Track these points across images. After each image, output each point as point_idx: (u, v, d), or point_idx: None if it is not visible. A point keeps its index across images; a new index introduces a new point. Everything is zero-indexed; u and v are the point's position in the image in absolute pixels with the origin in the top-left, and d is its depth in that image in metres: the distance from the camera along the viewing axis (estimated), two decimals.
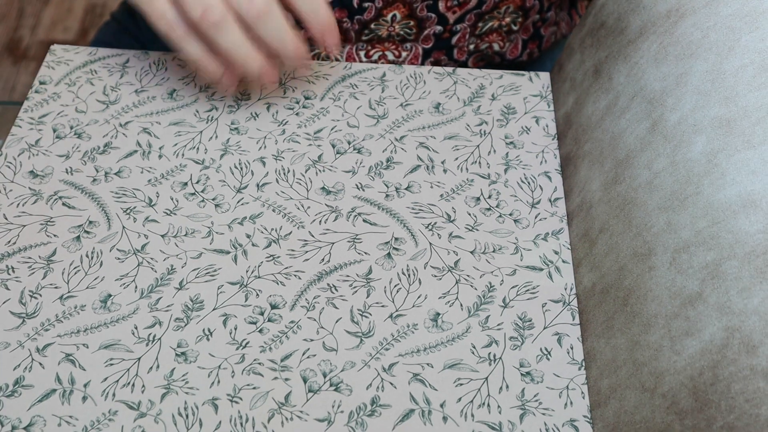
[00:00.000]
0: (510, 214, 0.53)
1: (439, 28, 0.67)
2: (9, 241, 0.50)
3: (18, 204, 0.52)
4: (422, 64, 0.71)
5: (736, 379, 0.36)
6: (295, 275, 0.50)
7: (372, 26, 0.67)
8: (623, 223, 0.46)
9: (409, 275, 0.50)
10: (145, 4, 0.51)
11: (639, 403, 0.41)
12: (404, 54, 0.70)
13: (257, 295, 0.49)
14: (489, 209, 0.54)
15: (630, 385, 0.42)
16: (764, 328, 0.35)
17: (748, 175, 0.38)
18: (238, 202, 0.53)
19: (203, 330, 0.47)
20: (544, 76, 0.63)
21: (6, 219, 0.51)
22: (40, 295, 0.48)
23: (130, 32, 0.82)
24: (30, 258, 0.50)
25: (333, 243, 0.51)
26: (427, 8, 0.65)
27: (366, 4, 0.65)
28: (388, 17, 0.66)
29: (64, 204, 0.52)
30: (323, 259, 0.50)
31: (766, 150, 0.38)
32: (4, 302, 0.48)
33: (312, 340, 0.47)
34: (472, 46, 0.70)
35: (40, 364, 0.45)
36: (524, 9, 0.69)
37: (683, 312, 0.40)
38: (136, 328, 0.47)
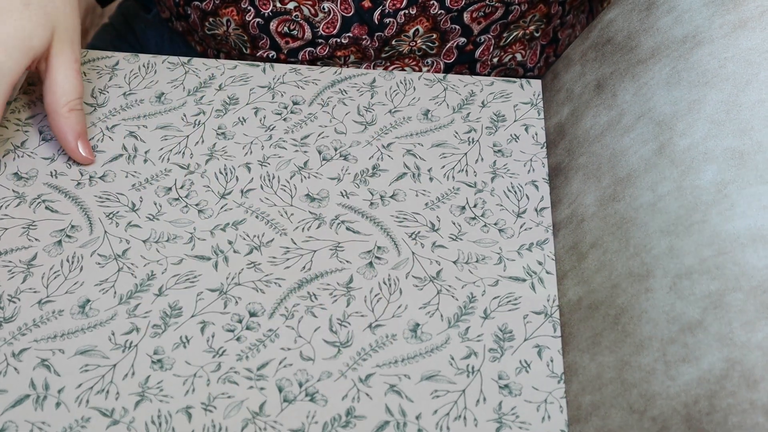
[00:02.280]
0: (495, 224, 0.53)
1: (462, 40, 0.66)
2: None
3: (1, 206, 0.52)
4: None
5: (735, 411, 0.35)
6: (275, 283, 0.49)
7: (393, 42, 0.66)
8: (619, 241, 0.46)
9: (390, 285, 0.50)
10: None
11: (625, 424, 0.40)
12: (425, 69, 0.69)
13: (236, 302, 0.48)
14: (474, 218, 0.53)
15: (616, 405, 0.42)
16: (767, 364, 0.35)
17: (759, 209, 0.38)
18: (221, 208, 0.53)
19: (180, 337, 0.47)
20: (536, 84, 0.62)
21: None
22: (19, 299, 0.48)
23: (127, 40, 0.82)
24: (10, 262, 0.49)
25: (315, 251, 0.51)
26: (451, 20, 0.65)
27: (387, 20, 0.64)
28: (410, 32, 0.65)
29: (47, 208, 0.52)
30: (304, 267, 0.50)
31: None
32: None
33: (289, 349, 0.47)
34: (495, 59, 0.69)
35: (15, 369, 0.45)
36: (548, 15, 0.68)
37: (681, 338, 0.39)
38: (113, 334, 0.47)
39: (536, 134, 0.58)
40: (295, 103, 0.59)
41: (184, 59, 0.62)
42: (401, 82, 0.61)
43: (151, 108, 0.58)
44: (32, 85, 0.60)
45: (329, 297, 0.49)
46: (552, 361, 0.47)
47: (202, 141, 0.57)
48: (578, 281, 0.48)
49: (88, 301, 0.48)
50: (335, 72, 0.62)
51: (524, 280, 0.50)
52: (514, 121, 0.59)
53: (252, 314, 0.48)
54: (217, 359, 0.46)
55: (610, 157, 0.50)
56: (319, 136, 0.57)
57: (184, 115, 0.58)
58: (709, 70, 0.45)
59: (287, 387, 0.45)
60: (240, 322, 0.47)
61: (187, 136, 0.57)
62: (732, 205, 0.40)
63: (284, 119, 0.58)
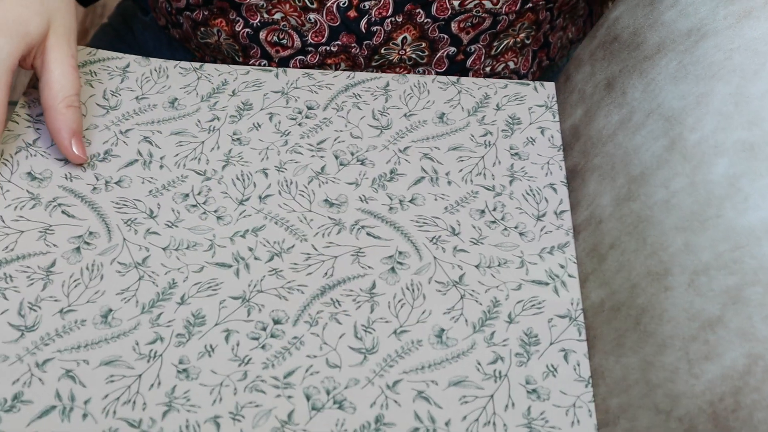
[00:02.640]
0: (515, 227, 0.53)
1: (452, 49, 0.66)
2: (6, 247, 0.50)
3: (16, 207, 0.52)
4: None
5: (760, 407, 0.35)
6: (298, 289, 0.49)
7: (382, 51, 0.66)
8: (636, 241, 0.46)
9: (413, 290, 0.49)
10: None
11: (652, 425, 0.40)
12: None
13: (260, 310, 0.48)
14: (494, 222, 0.53)
15: (642, 406, 0.41)
16: None
17: None
18: (240, 214, 0.52)
19: (205, 346, 0.46)
20: (549, 86, 0.62)
21: (4, 222, 0.51)
22: (40, 308, 0.47)
23: (126, 41, 0.81)
24: (29, 267, 0.49)
25: (336, 257, 0.51)
26: (438, 29, 0.64)
27: (374, 28, 0.64)
28: (399, 40, 0.65)
29: (63, 212, 0.52)
30: (326, 273, 0.50)
31: None
32: (2, 313, 0.47)
33: (315, 357, 0.46)
34: (488, 68, 0.69)
35: (40, 379, 0.45)
36: (538, 23, 0.68)
37: (702, 335, 0.39)
38: (137, 344, 0.46)
39: (552, 137, 0.58)
40: (309, 108, 0.59)
41: (196, 65, 0.62)
42: (415, 86, 0.61)
43: (165, 113, 0.58)
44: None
45: (353, 303, 0.49)
46: (579, 365, 0.47)
47: (218, 147, 0.56)
48: (600, 283, 0.48)
49: (111, 310, 0.48)
50: (348, 76, 0.62)
51: (547, 284, 0.50)
52: (530, 123, 0.59)
53: (276, 322, 0.47)
54: (243, 368, 0.46)
55: (623, 156, 0.50)
56: (335, 140, 0.57)
57: (199, 121, 0.58)
58: (715, 62, 0.45)
59: (315, 395, 0.45)
60: (264, 329, 0.47)
61: (203, 142, 0.56)
62: (745, 198, 0.39)
63: (299, 124, 0.58)
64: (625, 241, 0.47)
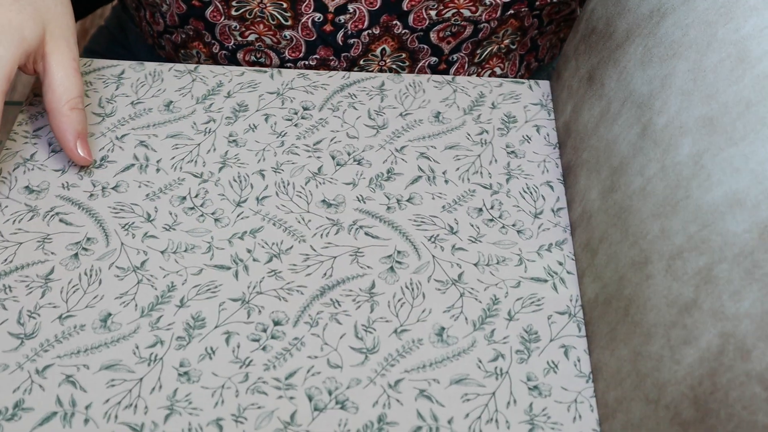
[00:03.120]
0: (513, 225, 0.53)
1: (434, 59, 0.66)
2: (5, 260, 0.49)
3: (14, 221, 0.51)
4: None
5: (733, 386, 0.35)
6: (297, 290, 0.49)
7: (361, 63, 0.65)
8: (621, 232, 0.46)
9: (412, 289, 0.49)
10: None
11: (644, 416, 0.40)
12: None
13: (259, 311, 0.48)
14: (492, 220, 0.53)
15: (635, 397, 0.41)
16: (756, 331, 0.34)
17: (732, 173, 0.38)
18: (237, 216, 0.52)
19: (206, 348, 0.46)
20: (544, 84, 0.62)
21: (2, 236, 0.51)
22: (39, 315, 0.47)
23: (122, 44, 0.81)
24: (27, 277, 0.49)
25: (335, 257, 0.51)
26: (417, 40, 0.64)
27: (351, 41, 0.64)
28: (378, 52, 0.65)
29: (61, 220, 0.52)
30: (325, 274, 0.50)
31: (747, 146, 0.37)
32: (1, 323, 0.47)
33: (316, 357, 0.46)
34: (474, 75, 0.69)
35: (40, 386, 0.44)
36: (523, 28, 0.68)
37: (680, 320, 0.39)
38: (137, 347, 0.46)
39: (548, 135, 0.58)
40: (305, 109, 0.59)
41: (191, 66, 0.61)
42: (410, 85, 0.61)
43: (160, 117, 0.58)
44: (38, 96, 0.59)
45: (353, 303, 0.48)
46: (579, 360, 0.47)
47: (214, 149, 0.56)
48: (593, 278, 0.48)
49: (110, 314, 0.47)
50: (343, 76, 0.62)
51: (546, 281, 0.50)
52: (525, 122, 0.59)
53: (276, 323, 0.47)
54: (244, 370, 0.45)
55: (605, 148, 0.50)
56: (331, 141, 0.57)
57: (194, 123, 0.57)
58: (675, 40, 0.45)
59: (317, 395, 0.45)
60: (265, 331, 0.47)
61: (199, 145, 0.56)
62: (709, 175, 0.39)
63: (295, 125, 0.58)
64: (612, 233, 0.47)
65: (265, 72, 0.61)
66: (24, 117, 0.57)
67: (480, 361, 0.46)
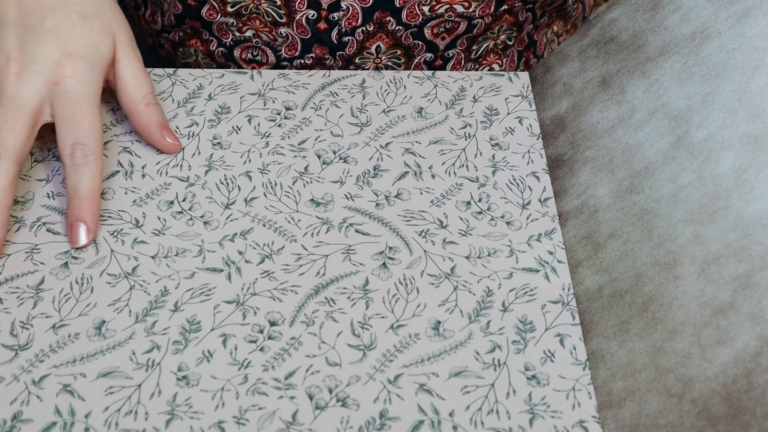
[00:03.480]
0: (502, 217, 0.53)
1: (429, 55, 0.66)
2: None
3: None
4: None
5: None
6: (291, 290, 0.49)
7: (356, 61, 0.66)
8: (641, 232, 0.47)
9: (406, 284, 0.49)
10: None
11: (664, 408, 0.41)
12: None
13: (255, 312, 0.48)
14: (480, 213, 0.53)
15: (652, 389, 0.42)
16: None
17: None
18: (227, 218, 0.52)
19: (203, 351, 0.46)
20: (524, 76, 0.62)
21: None
22: (32, 326, 0.47)
23: None
24: (18, 288, 0.48)
25: (327, 255, 0.51)
26: (412, 36, 0.64)
27: (346, 38, 0.64)
28: (372, 49, 0.65)
29: (48, 230, 0.51)
30: (318, 273, 0.50)
31: None
32: None
33: (315, 356, 0.46)
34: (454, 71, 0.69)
35: (38, 396, 0.44)
36: (518, 23, 0.68)
37: (714, 321, 0.40)
38: (133, 353, 0.46)
39: (530, 126, 0.59)
40: (287, 109, 0.59)
41: (170, 70, 0.61)
42: (391, 81, 0.61)
43: None
44: None
45: (347, 301, 0.49)
46: (575, 348, 0.47)
47: (199, 152, 0.56)
48: (596, 270, 0.49)
49: (104, 322, 0.47)
50: (324, 75, 0.62)
51: (537, 271, 0.51)
52: (507, 114, 0.60)
53: (272, 323, 0.47)
54: (243, 371, 0.45)
55: (623, 151, 0.51)
56: (316, 140, 0.57)
57: (177, 127, 0.57)
58: (719, 62, 0.47)
59: (317, 394, 0.45)
60: (261, 332, 0.47)
61: (183, 148, 0.56)
62: (752, 189, 0.41)
63: (279, 125, 0.58)
64: (628, 232, 0.48)
65: (246, 73, 0.61)
66: None
67: (477, 353, 0.47)
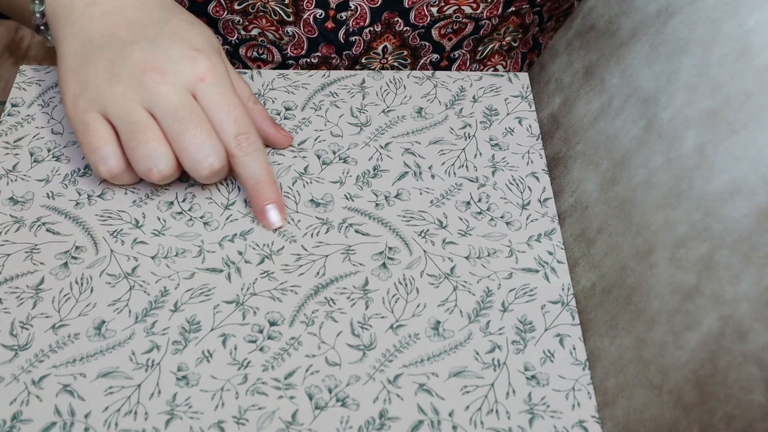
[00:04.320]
0: (501, 217, 0.53)
1: (435, 56, 0.66)
2: None
3: (0, 232, 0.51)
4: None
5: (732, 367, 0.36)
6: (291, 290, 0.49)
7: (363, 61, 0.66)
8: (623, 223, 0.46)
9: (406, 284, 0.49)
10: (79, 131, 0.51)
11: (648, 401, 0.41)
12: None
13: (254, 312, 0.48)
14: (480, 213, 0.53)
15: (638, 383, 0.42)
16: (752, 313, 0.35)
17: (733, 162, 0.39)
18: (226, 219, 0.52)
19: (203, 351, 0.46)
20: (523, 77, 0.62)
21: None
22: (32, 326, 0.47)
23: None
24: (17, 288, 0.48)
25: (327, 256, 0.51)
26: (419, 37, 0.64)
27: (353, 38, 0.64)
28: (379, 49, 0.65)
29: (48, 230, 0.51)
30: (318, 273, 0.50)
31: (747, 134, 0.38)
32: None
33: (314, 356, 0.46)
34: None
35: (38, 396, 0.44)
36: (524, 26, 0.68)
37: (683, 306, 0.40)
38: (133, 353, 0.46)
39: (530, 126, 0.59)
40: (287, 109, 0.59)
41: None
42: (390, 81, 0.61)
43: None
44: (16, 107, 0.58)
45: (347, 301, 0.49)
46: (575, 348, 0.47)
47: None
48: (590, 267, 0.49)
49: (104, 322, 0.47)
50: (323, 75, 0.62)
51: (537, 271, 0.51)
52: (507, 114, 0.60)
53: (272, 323, 0.47)
54: (242, 371, 0.45)
55: (605, 142, 0.50)
56: (315, 140, 0.57)
57: None
58: (682, 38, 0.46)
59: (317, 394, 0.45)
60: (261, 332, 0.47)
61: None
62: (711, 166, 0.40)
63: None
64: (613, 224, 0.47)
65: (245, 73, 0.61)
66: (3, 128, 0.57)
67: (477, 353, 0.47)
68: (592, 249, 0.49)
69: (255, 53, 0.67)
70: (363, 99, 0.60)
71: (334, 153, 0.56)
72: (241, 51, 0.67)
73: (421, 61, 0.67)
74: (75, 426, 0.43)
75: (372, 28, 0.63)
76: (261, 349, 0.46)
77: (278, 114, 0.58)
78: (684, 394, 0.39)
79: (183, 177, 0.54)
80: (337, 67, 0.66)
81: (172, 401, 0.44)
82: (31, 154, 0.55)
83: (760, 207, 0.36)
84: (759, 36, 0.40)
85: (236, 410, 0.44)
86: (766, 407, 0.33)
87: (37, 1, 0.54)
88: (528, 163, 0.56)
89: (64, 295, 0.48)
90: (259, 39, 0.65)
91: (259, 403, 0.44)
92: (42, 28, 0.55)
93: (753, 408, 0.34)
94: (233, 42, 0.66)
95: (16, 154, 0.55)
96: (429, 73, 0.62)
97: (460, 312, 0.48)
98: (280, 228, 0.52)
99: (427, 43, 0.65)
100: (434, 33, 0.64)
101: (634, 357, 0.43)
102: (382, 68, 0.66)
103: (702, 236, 0.40)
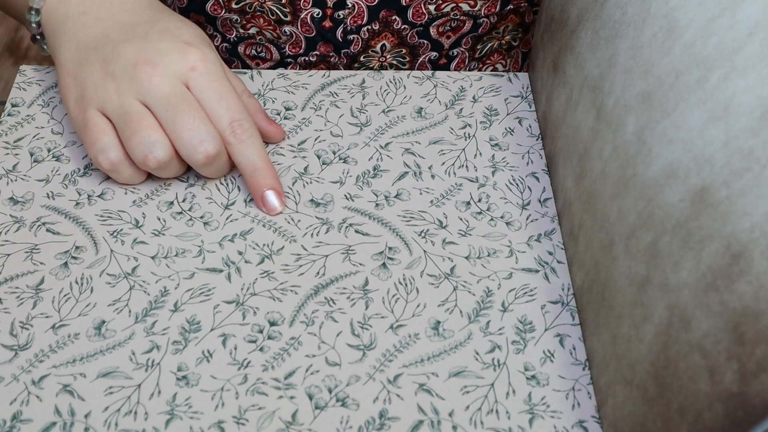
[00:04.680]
0: (501, 217, 0.53)
1: (434, 54, 0.66)
2: None
3: (0, 232, 0.51)
4: None
5: (680, 357, 0.35)
6: (291, 290, 0.49)
7: (361, 59, 0.66)
8: (591, 217, 0.46)
9: (406, 284, 0.49)
10: (80, 129, 0.52)
11: (626, 398, 0.41)
12: None
13: (254, 312, 0.48)
14: (480, 213, 0.53)
15: (618, 380, 0.42)
16: (693, 300, 0.34)
17: (667, 145, 0.38)
18: (227, 219, 0.52)
19: (203, 351, 0.46)
20: (523, 77, 0.62)
21: None
22: (32, 326, 0.47)
23: None
24: (17, 288, 0.48)
25: (327, 255, 0.51)
26: (417, 35, 0.64)
27: (351, 37, 0.64)
28: (378, 48, 0.65)
29: (48, 230, 0.51)
30: (318, 273, 0.50)
31: (678, 115, 0.37)
32: None
33: (314, 356, 0.46)
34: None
35: (38, 396, 0.44)
36: (524, 25, 0.68)
37: (640, 298, 0.39)
38: (133, 353, 0.46)
39: (530, 126, 0.59)
40: (287, 109, 0.59)
41: None
42: (390, 81, 0.61)
43: None
44: (16, 107, 0.58)
45: (347, 301, 0.49)
46: (575, 348, 0.47)
47: None
48: (578, 266, 0.49)
49: (104, 322, 0.47)
50: (323, 75, 0.62)
51: (537, 271, 0.51)
52: (507, 114, 0.60)
53: (272, 323, 0.47)
54: (242, 371, 0.45)
55: (573, 135, 0.50)
56: (315, 140, 0.57)
57: None
58: (616, 20, 0.45)
59: (317, 394, 0.45)
60: (261, 332, 0.47)
61: None
62: (649, 150, 0.39)
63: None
64: (586, 220, 0.47)
65: (245, 73, 0.61)
66: (4, 128, 0.57)
67: (477, 353, 0.47)
68: (577, 247, 0.49)
69: (254, 51, 0.67)
70: (363, 99, 0.60)
71: (334, 153, 0.56)
72: (240, 49, 0.67)
73: (420, 59, 0.67)
74: (75, 426, 0.43)
75: (370, 27, 0.63)
76: (261, 349, 0.46)
77: (278, 114, 0.58)
78: (648, 388, 0.38)
79: (183, 177, 0.54)
80: (335, 66, 0.66)
81: (172, 401, 0.44)
82: (31, 154, 0.55)
83: (693, 190, 0.35)
84: (684, 12, 0.39)
85: (236, 410, 0.44)
86: (711, 396, 0.32)
87: (33, 12, 0.55)
88: (528, 163, 0.56)
89: (64, 295, 0.48)
90: (257, 38, 0.65)
91: (259, 403, 0.44)
92: (38, 37, 0.56)
93: (700, 398, 0.33)
94: (232, 40, 0.66)
95: (16, 154, 0.55)
96: (429, 73, 0.62)
97: (460, 312, 0.48)
98: (280, 213, 0.52)
99: (425, 41, 0.65)
100: (432, 31, 0.64)
101: (612, 354, 0.43)
102: (381, 66, 0.66)
103: (647, 224, 0.39)
